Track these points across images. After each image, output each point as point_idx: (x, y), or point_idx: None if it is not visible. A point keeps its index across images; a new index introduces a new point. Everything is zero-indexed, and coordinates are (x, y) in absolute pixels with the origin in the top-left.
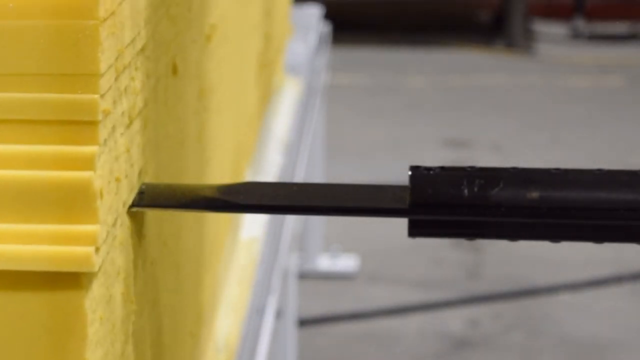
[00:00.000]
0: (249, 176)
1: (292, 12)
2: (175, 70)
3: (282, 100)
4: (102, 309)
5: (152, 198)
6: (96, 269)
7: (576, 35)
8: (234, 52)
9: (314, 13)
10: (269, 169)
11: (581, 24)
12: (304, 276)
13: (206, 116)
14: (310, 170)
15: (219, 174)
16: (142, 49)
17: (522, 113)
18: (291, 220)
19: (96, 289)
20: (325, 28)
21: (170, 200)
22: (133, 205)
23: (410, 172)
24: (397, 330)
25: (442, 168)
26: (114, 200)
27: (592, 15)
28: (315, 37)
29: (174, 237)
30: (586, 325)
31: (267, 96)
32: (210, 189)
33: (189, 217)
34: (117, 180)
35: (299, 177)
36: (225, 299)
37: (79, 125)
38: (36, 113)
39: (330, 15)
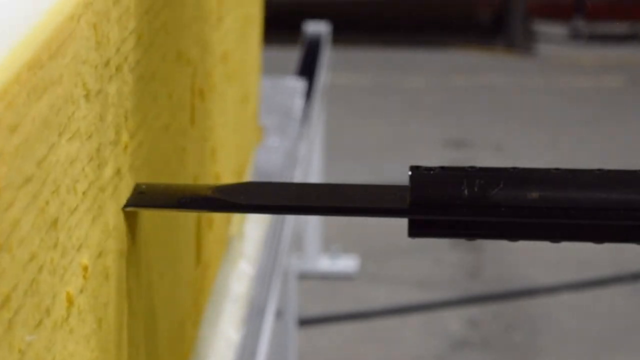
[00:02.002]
0: None
1: (270, 85)
2: None
3: (240, 254)
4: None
5: (151, 198)
6: None
7: (576, 35)
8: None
9: (297, 87)
10: None
11: (581, 24)
12: (304, 276)
13: None
14: (310, 170)
15: None
16: None
17: (522, 113)
18: (291, 220)
19: None
20: (319, 106)
21: (169, 200)
22: (132, 205)
23: (410, 172)
24: (397, 330)
25: (442, 168)
26: None
27: (592, 15)
28: (296, 124)
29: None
30: (586, 325)
31: (217, 256)
32: (210, 189)
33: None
34: None
35: (299, 177)
36: None
37: None
38: None
39: (330, 15)
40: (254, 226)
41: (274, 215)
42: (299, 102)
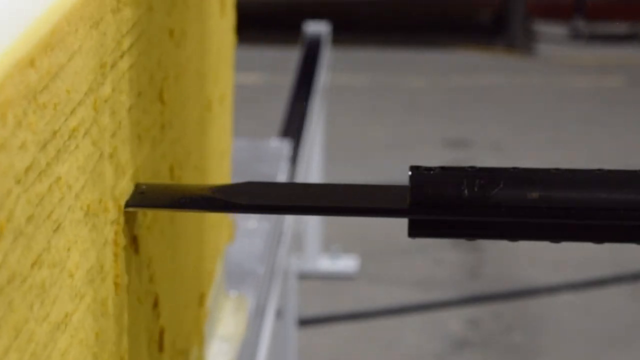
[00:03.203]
0: None
1: (251, 149)
2: None
3: None
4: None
5: (151, 198)
6: None
7: (576, 35)
8: None
9: (281, 150)
10: None
11: (581, 24)
12: (304, 276)
13: None
14: (310, 170)
15: None
16: None
17: (522, 113)
18: (291, 220)
19: None
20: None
21: (169, 200)
22: (132, 205)
23: (410, 172)
24: (397, 330)
25: (442, 168)
26: None
27: (592, 15)
28: None
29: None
30: (586, 325)
31: None
32: (210, 189)
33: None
34: None
35: (299, 177)
36: None
37: None
38: None
39: (330, 15)
40: (223, 346)
41: (274, 215)
42: (283, 168)
